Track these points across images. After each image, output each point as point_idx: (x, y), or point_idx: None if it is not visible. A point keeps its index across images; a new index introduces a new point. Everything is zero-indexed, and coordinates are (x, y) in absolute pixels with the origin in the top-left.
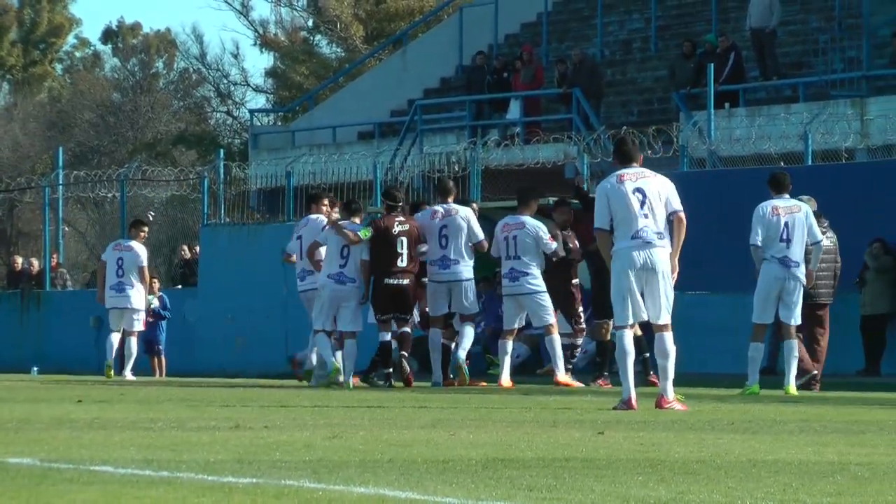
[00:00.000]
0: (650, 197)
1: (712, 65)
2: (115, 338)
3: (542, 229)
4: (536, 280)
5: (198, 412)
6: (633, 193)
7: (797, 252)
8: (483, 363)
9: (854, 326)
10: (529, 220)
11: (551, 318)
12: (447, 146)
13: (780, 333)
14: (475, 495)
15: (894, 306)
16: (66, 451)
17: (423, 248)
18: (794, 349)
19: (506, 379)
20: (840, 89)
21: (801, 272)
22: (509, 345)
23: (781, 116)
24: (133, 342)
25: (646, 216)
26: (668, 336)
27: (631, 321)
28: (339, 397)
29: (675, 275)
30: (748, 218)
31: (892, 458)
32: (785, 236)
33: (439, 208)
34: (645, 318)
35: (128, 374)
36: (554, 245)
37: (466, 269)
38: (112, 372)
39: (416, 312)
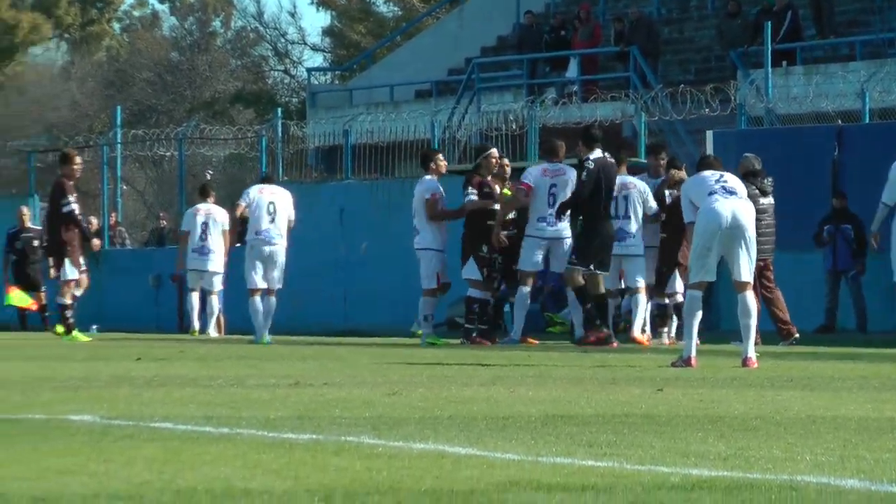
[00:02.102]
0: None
1: (769, 23)
2: (195, 298)
3: (648, 192)
4: (640, 242)
5: (257, 369)
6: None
7: None
8: (541, 321)
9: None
10: (638, 181)
11: (644, 280)
12: (504, 104)
13: None
14: (535, 451)
15: None
16: (127, 408)
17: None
18: None
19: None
20: None
21: None
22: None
23: (839, 75)
24: (215, 301)
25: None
26: (750, 295)
27: (705, 279)
28: (398, 355)
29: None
30: (806, 176)
31: None
32: None
33: (548, 166)
34: (714, 278)
35: (211, 332)
36: (655, 206)
37: (566, 227)
38: (197, 333)
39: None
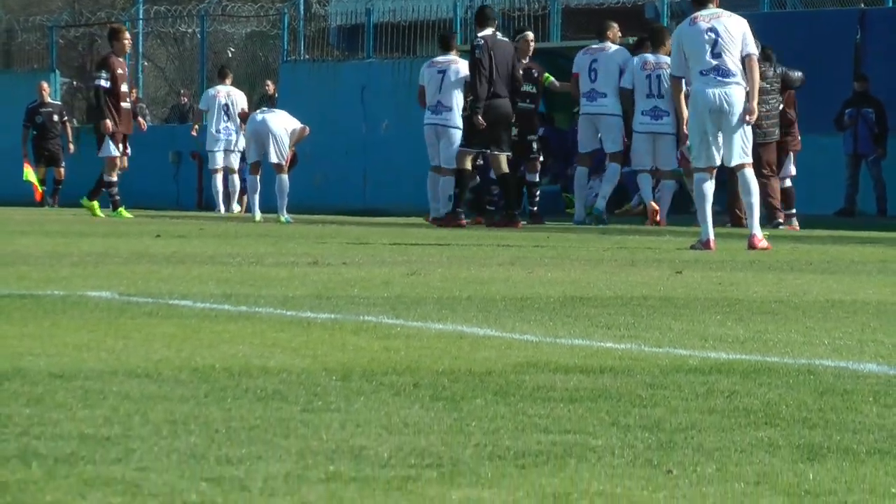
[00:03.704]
0: (723, 37)
1: None
2: (219, 178)
3: None
4: (672, 121)
5: (276, 248)
6: (707, 33)
7: None
8: (561, 202)
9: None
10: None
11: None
12: None
13: None
14: (553, 332)
15: None
16: (145, 285)
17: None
18: None
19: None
20: None
21: None
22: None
23: None
24: (237, 179)
25: (719, 55)
26: (749, 172)
27: (710, 163)
28: (418, 235)
29: (753, 117)
30: (828, 59)
31: None
32: None
33: (594, 45)
34: (719, 161)
35: (234, 208)
36: None
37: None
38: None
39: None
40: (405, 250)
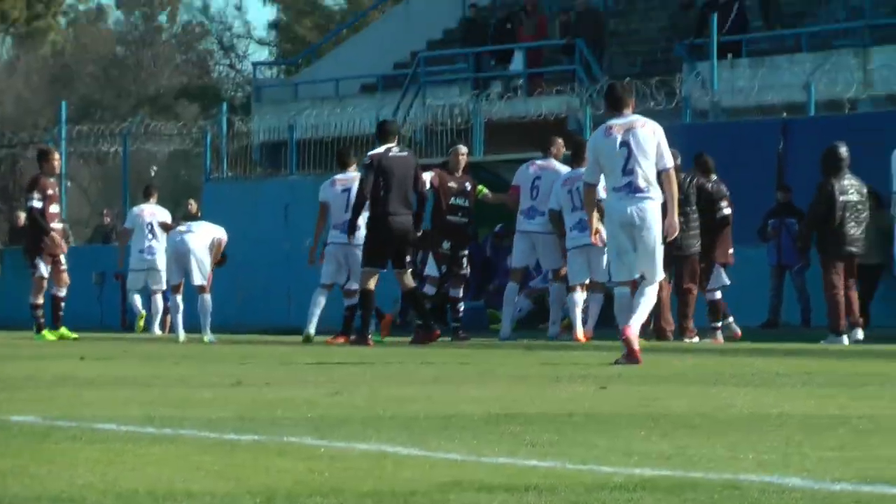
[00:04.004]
0: (636, 151)
1: (715, 15)
2: (138, 299)
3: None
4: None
5: (200, 369)
6: (620, 147)
7: None
8: (485, 318)
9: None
10: None
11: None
12: (450, 99)
13: None
14: (477, 451)
15: (884, 257)
16: (69, 408)
17: None
18: None
19: (579, 331)
20: (843, 39)
21: None
22: (580, 296)
23: (784, 67)
24: (159, 299)
25: (632, 171)
26: (651, 288)
27: (630, 277)
28: (341, 353)
29: (674, 232)
30: (751, 169)
31: (895, 412)
32: None
33: (538, 161)
34: (637, 274)
35: (156, 330)
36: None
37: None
38: (143, 324)
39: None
40: (329, 370)
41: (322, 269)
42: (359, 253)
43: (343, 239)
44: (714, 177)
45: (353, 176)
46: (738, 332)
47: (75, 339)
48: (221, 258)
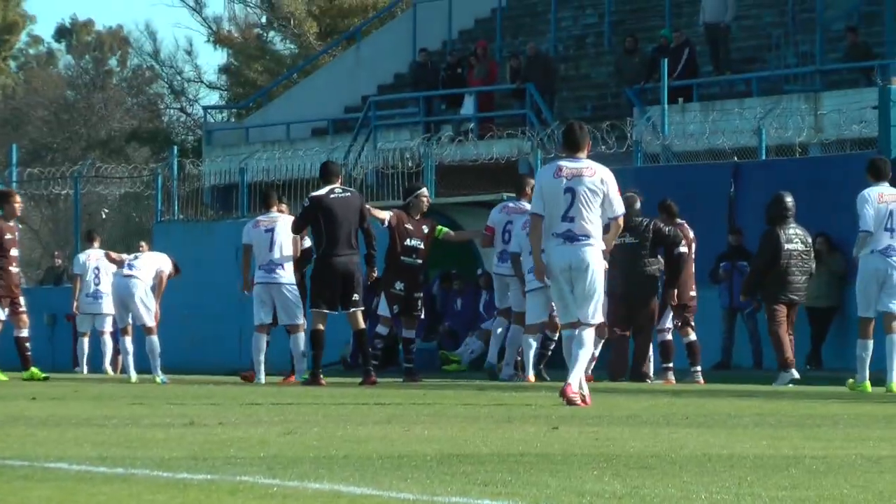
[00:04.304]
0: (581, 199)
1: (665, 60)
2: (87, 342)
3: None
4: None
5: (152, 409)
6: (565, 194)
7: None
8: (437, 359)
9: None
10: None
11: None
12: (401, 142)
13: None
14: (430, 490)
15: (836, 300)
16: (21, 448)
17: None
18: None
19: (531, 372)
20: (793, 84)
21: None
22: (533, 339)
23: (735, 111)
24: (108, 340)
25: (572, 219)
26: (588, 332)
27: (574, 318)
28: (294, 394)
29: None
30: (702, 212)
31: (847, 452)
32: (889, 225)
33: (510, 204)
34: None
35: (108, 370)
36: None
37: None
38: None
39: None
40: (281, 409)
41: (253, 311)
42: (285, 291)
43: (268, 278)
44: (680, 221)
45: (276, 216)
46: (701, 381)
47: (45, 378)
48: (175, 271)
